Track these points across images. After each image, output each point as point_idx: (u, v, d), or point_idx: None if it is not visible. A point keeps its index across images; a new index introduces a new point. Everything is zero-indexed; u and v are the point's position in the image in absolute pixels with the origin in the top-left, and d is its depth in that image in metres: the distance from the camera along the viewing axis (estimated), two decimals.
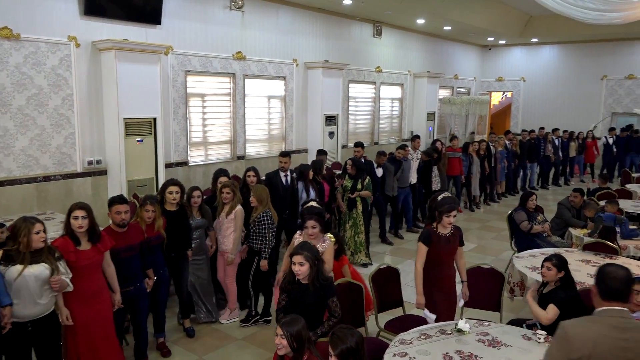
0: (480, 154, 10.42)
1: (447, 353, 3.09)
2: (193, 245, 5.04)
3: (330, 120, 11.13)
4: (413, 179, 8.80)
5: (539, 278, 4.18)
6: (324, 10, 11.09)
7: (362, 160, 7.99)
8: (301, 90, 10.82)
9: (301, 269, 3.14)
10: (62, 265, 3.52)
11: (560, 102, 16.57)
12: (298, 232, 4.14)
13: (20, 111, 6.69)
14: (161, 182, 7.98)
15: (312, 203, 4.07)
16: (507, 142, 11.74)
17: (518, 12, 14.39)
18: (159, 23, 8.06)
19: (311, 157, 11.08)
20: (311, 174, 6.68)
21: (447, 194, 4.08)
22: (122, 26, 7.64)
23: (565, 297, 3.62)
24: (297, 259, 3.15)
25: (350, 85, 12.24)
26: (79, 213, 3.66)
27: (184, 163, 8.77)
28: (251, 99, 9.82)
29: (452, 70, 16.28)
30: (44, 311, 3.49)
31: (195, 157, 9.01)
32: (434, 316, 3.89)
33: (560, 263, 3.76)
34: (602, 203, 6.77)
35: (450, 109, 15.14)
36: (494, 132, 12.63)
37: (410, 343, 3.20)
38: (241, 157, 9.74)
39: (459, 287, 4.18)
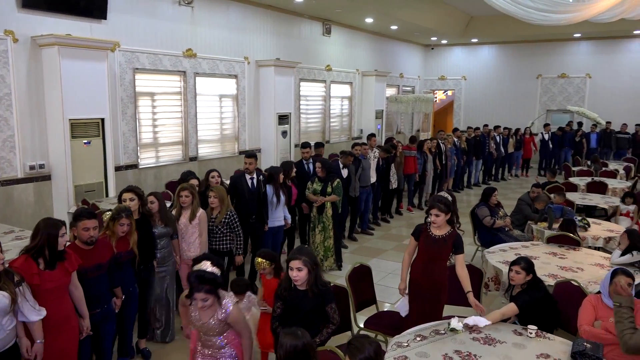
0: (432, 151, 10.61)
1: (446, 354, 3.05)
2: (158, 255, 4.68)
3: (283, 119, 10.96)
4: (373, 177, 8.76)
5: None
6: (274, 8, 10.90)
7: (310, 161, 7.64)
8: (253, 89, 10.59)
9: (299, 275, 2.98)
10: (22, 292, 3.05)
11: (500, 100, 17.26)
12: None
13: None
14: (111, 186, 7.56)
15: (204, 265, 3.02)
16: (456, 140, 12.04)
17: (460, 13, 14.83)
18: (105, 17, 7.59)
19: (265, 157, 10.90)
20: (281, 177, 6.37)
21: (441, 193, 4.06)
22: (65, 20, 7.13)
23: (529, 299, 3.67)
24: (295, 264, 2.99)
25: (301, 83, 12.12)
26: (65, 230, 3.30)
27: (134, 166, 8.33)
28: (202, 98, 9.49)
29: (397, 69, 16.54)
30: (3, 346, 3.03)
31: (146, 159, 8.58)
32: (405, 308, 3.88)
33: (528, 266, 3.81)
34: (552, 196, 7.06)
35: (397, 107, 15.36)
36: (443, 130, 12.91)
37: (407, 346, 3.14)
38: (194, 159, 9.39)
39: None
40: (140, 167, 8.43)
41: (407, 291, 4.09)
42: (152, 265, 4.59)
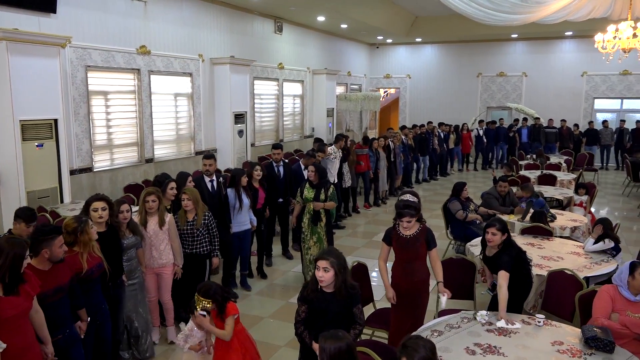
0: (384, 149, 10.69)
1: (467, 347, 3.09)
2: (125, 268, 4.31)
3: (239, 118, 10.74)
4: (335, 178, 8.72)
5: None
6: (227, 4, 10.66)
7: (281, 164, 7.24)
8: (208, 87, 10.29)
9: (325, 276, 2.90)
10: None
11: (443, 98, 17.83)
12: None
13: None
14: (66, 191, 7.11)
15: None
16: (404, 137, 12.25)
17: (406, 13, 15.18)
18: (54, 11, 7.10)
19: (222, 157, 10.62)
20: (245, 180, 6.07)
21: (407, 196, 3.98)
22: (9, 13, 6.61)
23: (509, 259, 3.86)
24: (322, 263, 2.90)
25: (255, 82, 11.93)
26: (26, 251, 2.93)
27: (88, 169, 7.86)
28: (157, 97, 9.11)
29: (345, 68, 16.67)
30: None
31: (100, 162, 8.12)
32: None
33: (502, 226, 4.01)
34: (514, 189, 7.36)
35: (346, 105, 15.47)
36: (392, 128, 13.11)
37: None
38: (150, 160, 8.99)
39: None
40: (94, 170, 7.96)
41: (394, 298, 3.94)
42: (122, 281, 4.24)
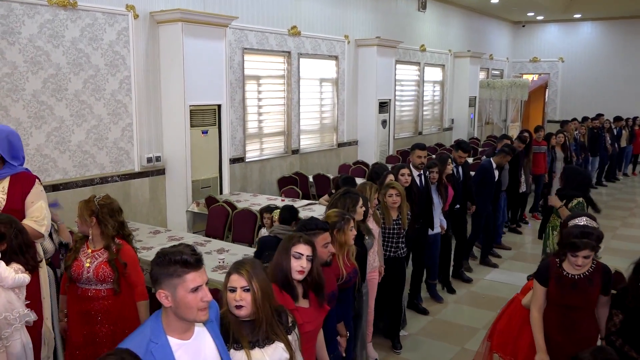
0: (565, 147, 10.06)
1: None
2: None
3: (382, 106, 10.84)
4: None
5: None
6: None
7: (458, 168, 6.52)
8: (352, 72, 10.50)
9: None
10: (294, 338, 2.45)
11: (607, 85, 16.71)
12: None
13: (77, 97, 6.14)
14: (225, 181, 7.56)
15: None
16: (576, 133, 11.62)
17: None
18: None
19: (363, 150, 10.82)
20: (435, 175, 5.64)
21: (582, 220, 3.32)
22: None
23: None
24: None
25: (397, 66, 11.99)
26: (304, 250, 2.64)
27: (241, 159, 8.33)
28: (304, 82, 9.44)
29: (487, 50, 16.28)
30: None
31: (251, 151, 8.57)
32: None
33: None
34: None
35: (490, 94, 15.13)
36: (568, 121, 12.26)
37: None
38: (296, 151, 9.36)
39: None
40: (246, 160, 8.42)
41: None
42: (360, 290, 4.05)
